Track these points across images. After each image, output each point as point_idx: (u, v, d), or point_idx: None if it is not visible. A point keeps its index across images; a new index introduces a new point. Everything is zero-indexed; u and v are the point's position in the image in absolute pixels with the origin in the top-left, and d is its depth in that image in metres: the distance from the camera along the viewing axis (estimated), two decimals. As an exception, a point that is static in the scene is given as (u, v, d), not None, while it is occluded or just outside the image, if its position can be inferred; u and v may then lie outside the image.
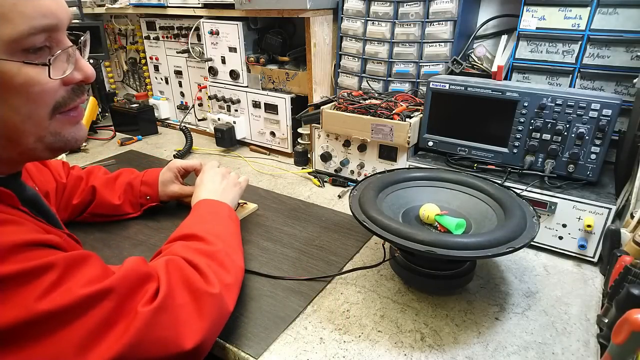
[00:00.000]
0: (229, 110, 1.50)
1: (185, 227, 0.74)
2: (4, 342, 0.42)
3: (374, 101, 1.11)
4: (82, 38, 0.54)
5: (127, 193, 0.99)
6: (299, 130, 1.34)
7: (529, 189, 0.87)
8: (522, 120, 0.90)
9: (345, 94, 1.18)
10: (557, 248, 0.88)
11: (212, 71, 1.48)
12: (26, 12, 0.43)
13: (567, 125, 0.85)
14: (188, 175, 1.07)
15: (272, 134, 1.42)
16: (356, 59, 1.27)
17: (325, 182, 1.22)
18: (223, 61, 1.44)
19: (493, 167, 0.95)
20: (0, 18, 0.42)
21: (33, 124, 0.48)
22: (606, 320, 0.65)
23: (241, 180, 0.98)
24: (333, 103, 1.17)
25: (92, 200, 0.96)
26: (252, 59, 1.39)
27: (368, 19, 1.20)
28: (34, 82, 0.46)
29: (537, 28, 1.00)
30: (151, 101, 1.77)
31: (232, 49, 1.40)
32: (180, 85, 1.71)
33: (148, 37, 1.70)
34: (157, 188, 1.01)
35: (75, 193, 0.95)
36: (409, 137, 1.02)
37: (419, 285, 0.78)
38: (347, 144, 1.16)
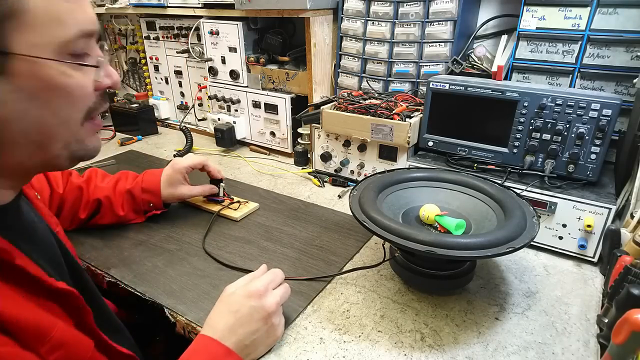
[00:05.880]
0: (229, 110, 1.50)
1: None
2: None
3: (374, 101, 1.11)
4: (104, 45, 0.53)
5: (129, 202, 0.96)
6: (299, 130, 1.34)
7: (529, 189, 0.87)
8: (522, 120, 0.90)
9: (345, 94, 1.18)
10: (557, 248, 0.88)
11: (212, 71, 1.48)
12: (77, 18, 0.45)
13: (567, 125, 0.85)
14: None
15: (272, 134, 1.42)
16: (356, 59, 1.26)
17: (325, 182, 1.22)
18: (223, 61, 1.44)
19: (493, 167, 0.95)
20: (57, 21, 0.43)
21: (66, 129, 0.48)
22: (606, 320, 0.65)
23: (277, 323, 0.65)
24: (333, 103, 1.17)
25: (97, 213, 0.93)
26: (252, 59, 1.39)
27: (368, 19, 1.20)
28: (79, 84, 0.47)
29: (537, 28, 1.00)
30: (151, 101, 1.77)
31: (232, 49, 1.40)
32: (180, 85, 1.71)
33: (148, 37, 1.70)
34: (159, 195, 0.97)
35: (80, 206, 0.92)
36: (409, 137, 1.02)
37: (419, 285, 0.78)
38: (347, 144, 1.16)
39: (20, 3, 0.40)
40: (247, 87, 1.43)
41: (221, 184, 1.08)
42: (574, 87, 1.00)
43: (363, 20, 1.21)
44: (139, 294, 0.77)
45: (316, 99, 1.29)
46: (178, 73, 1.69)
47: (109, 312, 0.69)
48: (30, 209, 0.59)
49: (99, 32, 0.50)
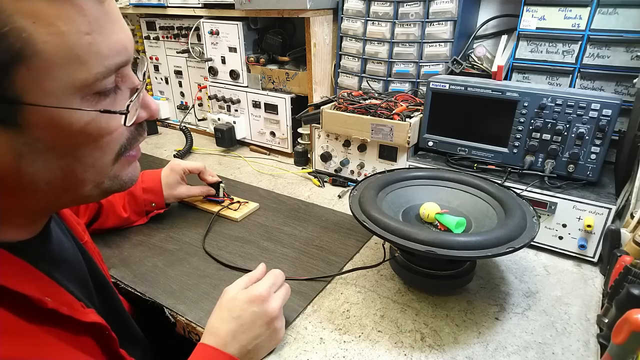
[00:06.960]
0: (229, 110, 1.50)
1: None
2: None
3: (374, 101, 1.11)
4: (141, 61, 0.47)
5: (130, 204, 0.95)
6: (299, 130, 1.34)
7: (529, 189, 0.87)
8: (522, 120, 0.90)
9: (345, 94, 1.18)
10: (557, 248, 0.88)
11: (212, 71, 1.48)
12: (101, 52, 0.38)
13: (567, 125, 0.85)
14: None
15: (272, 134, 1.42)
16: (356, 59, 1.26)
17: (325, 182, 1.22)
18: (223, 61, 1.44)
19: (493, 167, 0.95)
20: (75, 61, 0.36)
21: (95, 172, 0.43)
22: (606, 320, 0.65)
23: (279, 327, 0.64)
24: (333, 103, 1.17)
25: (98, 217, 0.92)
26: (252, 59, 1.39)
27: (368, 19, 1.20)
28: (106, 131, 0.41)
29: (537, 28, 1.00)
30: (151, 101, 1.76)
31: (232, 49, 1.40)
32: (180, 85, 1.71)
33: (148, 37, 1.70)
34: (161, 193, 0.98)
35: (79, 211, 0.90)
36: (409, 137, 1.02)
37: (419, 285, 0.78)
38: (347, 144, 1.16)
39: (29, 45, 0.34)
40: (247, 87, 1.43)
41: (221, 184, 1.08)
42: (574, 87, 1.00)
43: (363, 20, 1.21)
44: (139, 294, 0.77)
45: (316, 99, 1.29)
46: (178, 73, 1.69)
47: (128, 319, 0.67)
48: (57, 224, 0.55)
49: (133, 56, 0.43)
